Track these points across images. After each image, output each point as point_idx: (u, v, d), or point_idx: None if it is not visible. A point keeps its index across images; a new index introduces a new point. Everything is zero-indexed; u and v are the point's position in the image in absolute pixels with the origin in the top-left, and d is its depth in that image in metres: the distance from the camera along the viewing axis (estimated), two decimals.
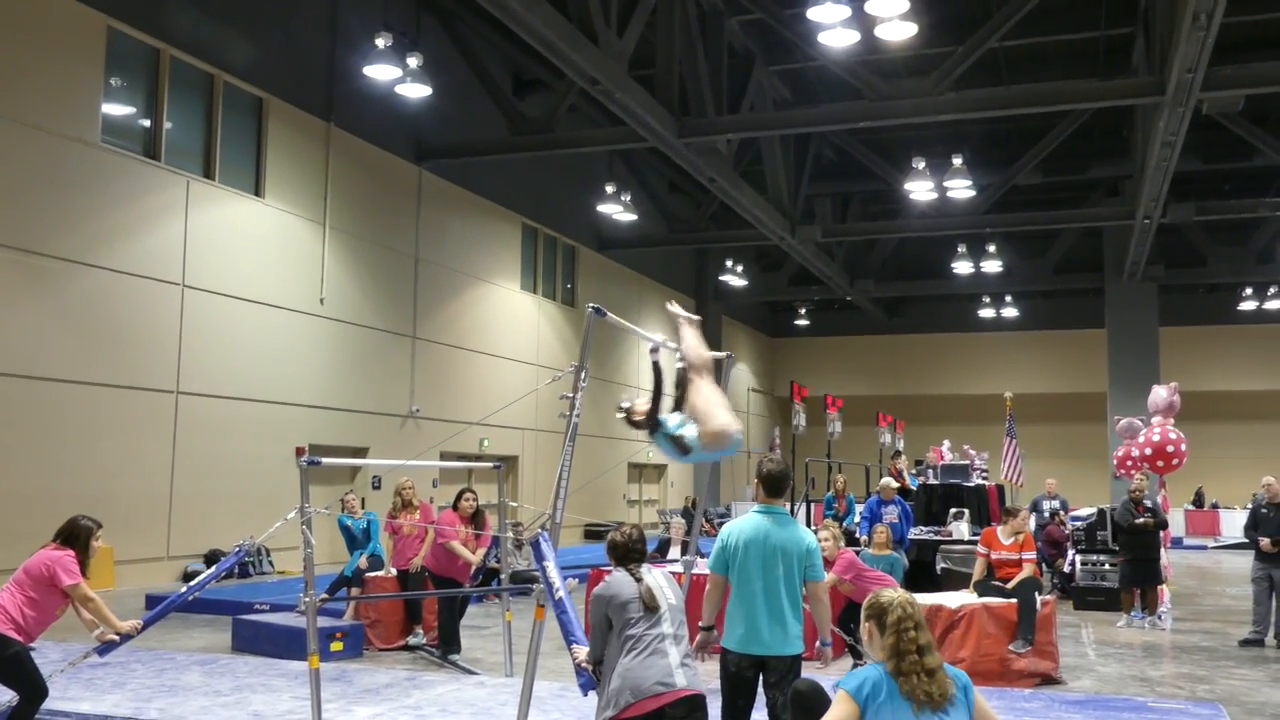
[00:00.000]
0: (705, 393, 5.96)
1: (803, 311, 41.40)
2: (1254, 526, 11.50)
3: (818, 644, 5.69)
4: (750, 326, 40.71)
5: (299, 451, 16.68)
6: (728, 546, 5.40)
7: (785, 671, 5.21)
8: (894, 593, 3.56)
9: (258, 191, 17.36)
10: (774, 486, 5.54)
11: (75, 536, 6.08)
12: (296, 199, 18.02)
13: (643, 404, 6.12)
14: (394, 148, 20.30)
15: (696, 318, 6.56)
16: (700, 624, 5.54)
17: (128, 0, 14.95)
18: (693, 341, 6.27)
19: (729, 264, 32.79)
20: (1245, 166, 25.08)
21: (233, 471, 16.32)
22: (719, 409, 5.86)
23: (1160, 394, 12.95)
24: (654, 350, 6.58)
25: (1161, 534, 12.88)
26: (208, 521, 15.76)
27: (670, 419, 6.02)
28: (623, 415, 6.23)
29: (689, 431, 5.89)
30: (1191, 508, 31.16)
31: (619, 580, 4.83)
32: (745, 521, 5.46)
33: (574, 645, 5.22)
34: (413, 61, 17.37)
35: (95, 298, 14.47)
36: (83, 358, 14.24)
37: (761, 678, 5.30)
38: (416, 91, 17.84)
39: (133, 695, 8.05)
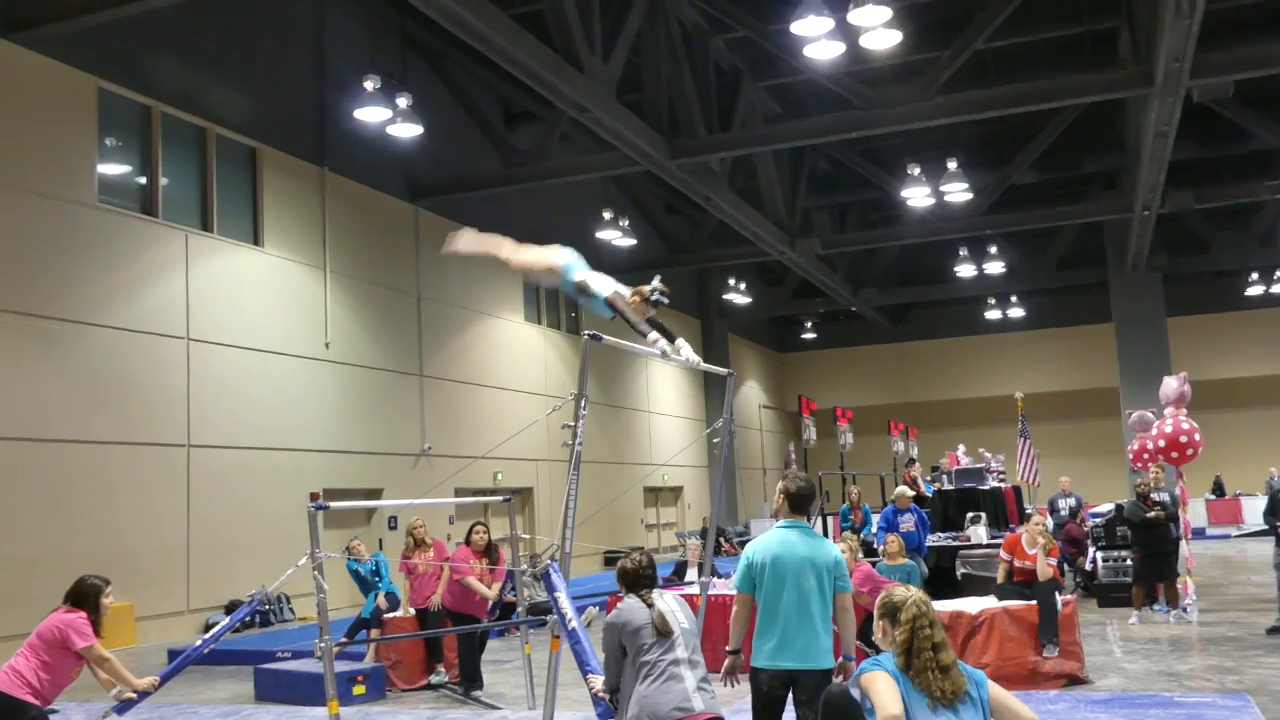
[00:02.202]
0: (516, 258, 7.06)
1: (809, 325, 41.36)
2: (1273, 511, 11.40)
3: (841, 659, 5.64)
4: (757, 343, 40.69)
5: (313, 497, 16.69)
6: (753, 564, 5.36)
7: (815, 688, 5.13)
8: (906, 591, 3.57)
9: (257, 240, 17.45)
10: (799, 503, 5.52)
11: (85, 597, 6.07)
12: (295, 245, 18.11)
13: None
14: (389, 188, 20.40)
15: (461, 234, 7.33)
16: (727, 648, 5.49)
17: (116, 60, 15.10)
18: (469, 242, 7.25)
19: (731, 282, 32.80)
20: (1242, 151, 25.04)
21: (249, 521, 16.33)
22: (530, 254, 7.06)
23: (1170, 385, 12.87)
24: (664, 354, 6.73)
25: (1180, 526, 12.78)
26: (227, 573, 15.75)
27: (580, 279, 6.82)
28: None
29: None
30: (1212, 497, 30.94)
31: (631, 607, 4.81)
32: (770, 538, 5.43)
33: (589, 675, 5.20)
34: (402, 102, 17.47)
35: (101, 356, 14.53)
36: (91, 417, 14.29)
37: (792, 695, 5.25)
38: (408, 131, 17.94)
39: None
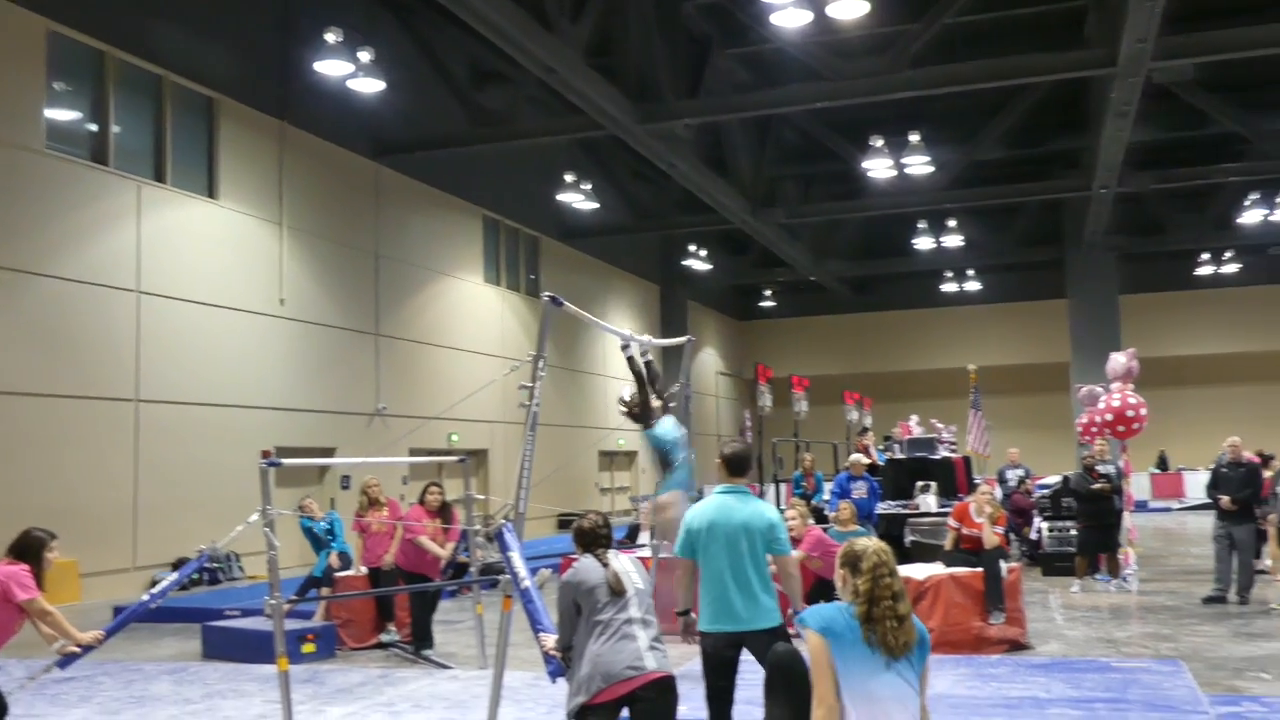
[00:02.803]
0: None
1: (769, 294, 41.47)
2: (1215, 486, 11.69)
3: (791, 613, 5.71)
4: (718, 311, 40.75)
5: (264, 454, 16.51)
6: (691, 529, 5.44)
7: (765, 646, 5.22)
8: (869, 540, 3.58)
9: (211, 193, 17.16)
10: (736, 467, 5.60)
11: (28, 549, 5.97)
12: (252, 199, 17.83)
13: (628, 396, 6.40)
14: (351, 144, 20.12)
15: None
16: (676, 610, 5.60)
17: (68, 2, 14.71)
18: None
19: (694, 249, 32.76)
20: (1200, 134, 25.31)
21: (199, 478, 16.16)
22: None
23: (1118, 360, 13.06)
24: (625, 347, 6.68)
25: (1124, 498, 13.04)
26: (175, 530, 15.59)
27: (664, 423, 6.29)
28: (625, 410, 6.44)
29: (675, 445, 6.65)
30: (1156, 471, 31.52)
31: (586, 566, 4.83)
32: (708, 503, 5.50)
33: (541, 633, 5.22)
34: (365, 56, 17.17)
35: (49, 307, 14.25)
36: (38, 369, 14.04)
37: (753, 656, 5.32)
38: (370, 86, 17.66)
39: (100, 708, 7.97)
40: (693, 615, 5.55)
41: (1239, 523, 11.43)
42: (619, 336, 6.80)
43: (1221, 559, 11.53)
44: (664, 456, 6.71)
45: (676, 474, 6.88)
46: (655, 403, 6.72)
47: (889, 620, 3.34)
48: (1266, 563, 13.33)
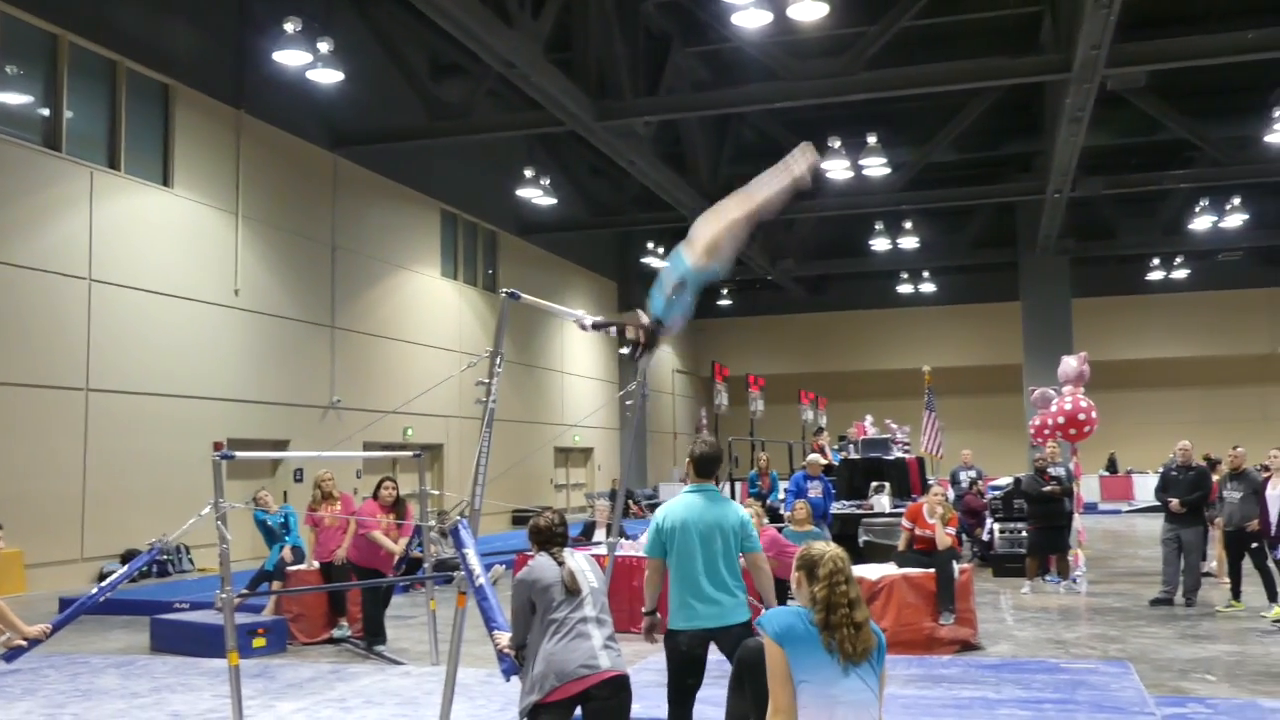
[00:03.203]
0: (720, 220, 6.21)
1: (725, 292, 41.57)
2: (1164, 489, 11.88)
3: (763, 607, 5.74)
4: None
5: (216, 446, 16.36)
6: (662, 529, 5.47)
7: (736, 640, 5.27)
8: (825, 545, 3.58)
9: (166, 181, 16.93)
10: (705, 467, 5.64)
11: None
12: (207, 188, 17.61)
13: (631, 334, 6.18)
14: (308, 135, 19.93)
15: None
16: (643, 609, 5.67)
17: None
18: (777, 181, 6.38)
19: (651, 246, 32.80)
20: (1151, 140, 25.76)
21: (148, 469, 15.95)
22: (718, 237, 6.15)
23: (1070, 364, 13.26)
24: (582, 326, 6.61)
25: (1074, 500, 13.23)
26: (123, 521, 15.38)
27: (657, 304, 6.11)
28: (630, 349, 6.23)
29: (678, 275, 6.07)
30: (1106, 474, 32.03)
31: (541, 564, 4.82)
32: (677, 503, 5.55)
33: (495, 631, 5.21)
34: (324, 46, 17.01)
35: None
36: None
37: (720, 652, 5.36)
38: (328, 77, 17.50)
39: (45, 701, 7.85)
40: (658, 615, 5.58)
41: (1187, 525, 11.63)
42: (574, 317, 6.71)
43: (1169, 561, 11.73)
44: (680, 292, 6.25)
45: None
46: (642, 320, 6.33)
47: (846, 628, 3.35)
48: (1212, 564, 13.61)
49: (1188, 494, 11.63)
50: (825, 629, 3.35)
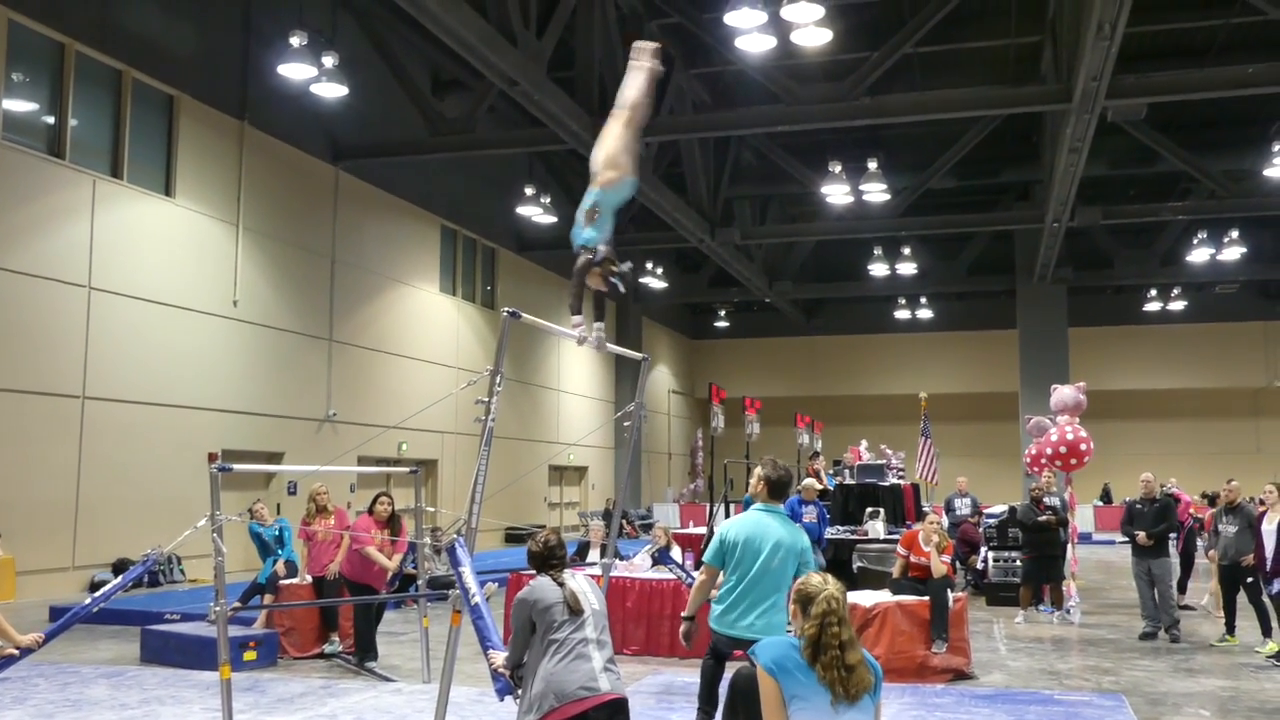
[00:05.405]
0: (606, 140, 6.77)
1: (722, 313, 41.66)
2: (1129, 522, 11.95)
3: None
4: (670, 328, 40.86)
5: (211, 457, 16.32)
6: (726, 541, 5.81)
7: None
8: (822, 581, 3.54)
9: (168, 191, 16.96)
10: (778, 490, 5.99)
11: None
12: (209, 199, 17.64)
13: (597, 283, 6.33)
14: (310, 148, 19.98)
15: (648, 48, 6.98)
16: (683, 614, 6.03)
17: None
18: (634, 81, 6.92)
19: (649, 266, 32.85)
20: (1150, 172, 25.88)
21: (142, 479, 15.91)
22: (609, 154, 6.67)
23: (1066, 393, 13.28)
24: (581, 340, 6.63)
25: (1068, 530, 13.23)
26: (116, 530, 15.33)
27: (585, 235, 6.36)
28: (611, 289, 6.31)
29: (591, 203, 6.46)
30: (1100, 504, 32.02)
31: (543, 585, 4.81)
32: (747, 518, 5.90)
33: (490, 650, 5.19)
34: (328, 60, 17.10)
35: None
36: None
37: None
38: (332, 91, 17.57)
39: (34, 711, 7.81)
40: (695, 623, 5.91)
41: (1155, 557, 11.71)
42: (575, 335, 6.68)
43: (1144, 594, 11.81)
44: (592, 219, 6.40)
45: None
46: (592, 260, 6.33)
47: (837, 669, 3.33)
48: (1205, 599, 13.60)
49: (1153, 526, 11.70)
50: (815, 664, 3.35)
